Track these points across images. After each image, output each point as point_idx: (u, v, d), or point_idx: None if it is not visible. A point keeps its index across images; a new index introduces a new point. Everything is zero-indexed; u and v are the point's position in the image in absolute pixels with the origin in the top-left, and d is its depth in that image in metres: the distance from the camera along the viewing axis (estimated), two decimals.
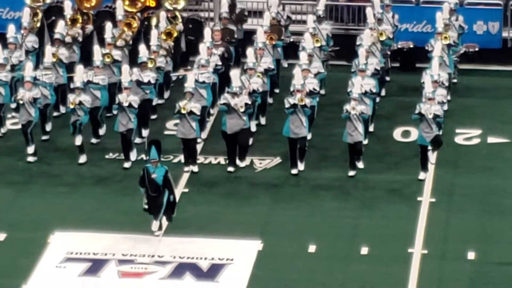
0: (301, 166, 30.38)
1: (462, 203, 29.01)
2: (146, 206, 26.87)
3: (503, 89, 34.84)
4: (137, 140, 32.02)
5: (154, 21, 36.42)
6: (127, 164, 31.05)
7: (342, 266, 26.79)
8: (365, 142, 31.10)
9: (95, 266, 26.23)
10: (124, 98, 30.61)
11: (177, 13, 36.66)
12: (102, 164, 31.69)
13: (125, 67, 32.00)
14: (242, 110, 29.95)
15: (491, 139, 32.04)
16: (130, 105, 30.43)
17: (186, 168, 30.58)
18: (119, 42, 34.99)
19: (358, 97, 29.90)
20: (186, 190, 30.37)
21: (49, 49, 33.09)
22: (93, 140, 32.24)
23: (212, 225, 28.20)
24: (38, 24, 36.19)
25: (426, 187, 29.95)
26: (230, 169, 30.15)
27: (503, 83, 35.11)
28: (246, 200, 29.43)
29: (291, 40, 35.79)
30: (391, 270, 26.31)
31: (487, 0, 37.37)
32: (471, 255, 26.51)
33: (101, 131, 32.78)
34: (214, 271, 26.22)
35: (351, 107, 29.42)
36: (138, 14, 37.01)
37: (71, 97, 31.29)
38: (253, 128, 31.78)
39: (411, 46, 35.51)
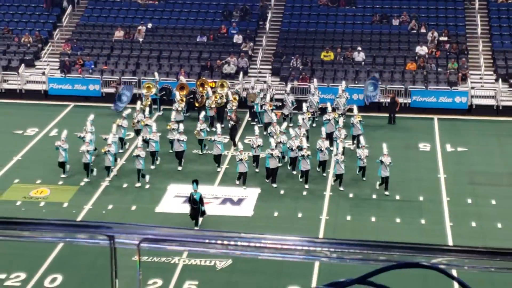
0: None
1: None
2: (189, 213, 25.58)
3: (367, 125, 32.62)
4: (179, 168, 29.60)
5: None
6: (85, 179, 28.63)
7: (309, 201, 27.18)
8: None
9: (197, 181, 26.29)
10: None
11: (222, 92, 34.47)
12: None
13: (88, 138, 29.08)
14: (279, 155, 28.70)
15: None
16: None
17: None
18: (213, 105, 33.64)
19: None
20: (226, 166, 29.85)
21: (114, 126, 30.37)
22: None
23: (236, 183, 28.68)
24: (148, 103, 34.23)
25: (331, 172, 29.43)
26: (274, 185, 28.41)
27: (366, 122, 32.69)
28: (254, 175, 29.10)
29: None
30: (314, 204, 27.04)
31: (358, 85, 37.00)
32: (351, 195, 27.79)
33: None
34: (239, 202, 27.59)
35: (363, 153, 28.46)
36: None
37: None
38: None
39: (326, 106, 32.81)
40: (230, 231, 2.68)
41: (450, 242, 24.31)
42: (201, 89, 35.58)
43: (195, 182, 25.67)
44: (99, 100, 37.58)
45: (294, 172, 29.40)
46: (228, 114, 32.96)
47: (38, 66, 40.10)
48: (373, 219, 26.38)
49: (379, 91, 36.27)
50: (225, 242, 2.49)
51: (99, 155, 29.68)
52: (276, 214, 26.76)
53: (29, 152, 31.52)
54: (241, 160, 28.07)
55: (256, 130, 30.36)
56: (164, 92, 36.39)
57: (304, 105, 33.22)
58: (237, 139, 32.15)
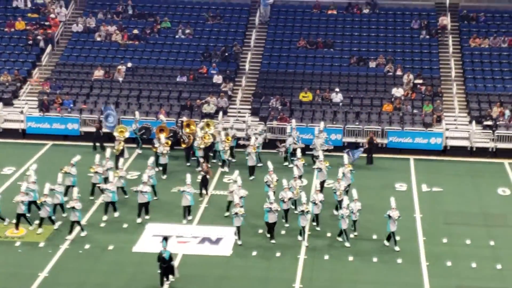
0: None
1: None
2: (159, 271, 24.13)
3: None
4: (138, 220, 28.44)
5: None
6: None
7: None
8: None
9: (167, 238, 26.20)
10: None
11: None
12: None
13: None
14: (279, 209, 27.43)
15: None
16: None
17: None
18: (202, 145, 33.64)
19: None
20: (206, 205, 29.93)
21: (60, 175, 29.04)
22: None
23: (216, 221, 28.66)
24: (120, 148, 33.90)
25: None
26: (273, 241, 27.15)
27: (341, 160, 31.22)
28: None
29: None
30: (292, 243, 26.84)
31: (336, 125, 37.20)
32: (329, 234, 27.47)
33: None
34: (218, 240, 27.29)
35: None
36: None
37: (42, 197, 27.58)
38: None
39: (303, 146, 34.05)
40: None
41: (426, 282, 24.50)
42: (187, 130, 35.24)
43: (165, 239, 24.34)
44: (78, 139, 37.54)
45: (287, 225, 28.37)
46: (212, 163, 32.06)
47: (17, 104, 40.18)
48: (350, 258, 26.17)
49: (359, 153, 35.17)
50: None
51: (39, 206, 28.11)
52: (254, 253, 26.51)
53: (6, 191, 31.02)
54: (236, 214, 26.91)
55: (239, 181, 28.85)
56: (143, 131, 36.44)
57: (298, 151, 32.06)
58: (209, 190, 31.29)
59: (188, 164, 34.49)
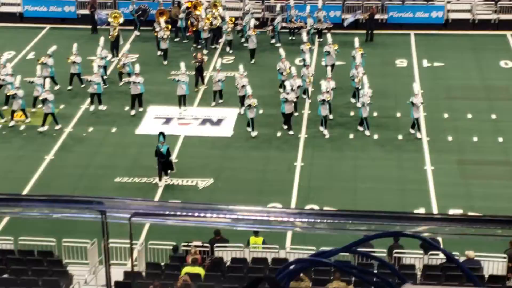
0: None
1: None
2: (157, 167, 23.76)
3: (347, 42, 31.54)
4: (132, 112, 27.81)
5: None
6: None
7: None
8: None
9: (168, 120, 27.44)
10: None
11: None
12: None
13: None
14: (295, 99, 26.51)
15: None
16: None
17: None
18: (206, 27, 32.76)
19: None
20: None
21: (38, 67, 28.22)
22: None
23: (219, 103, 28.50)
24: (116, 34, 32.60)
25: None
26: (291, 132, 26.35)
27: (343, 38, 32.18)
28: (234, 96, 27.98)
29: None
30: (294, 124, 26.87)
31: (335, 2, 36.42)
32: (331, 117, 27.17)
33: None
34: (219, 122, 27.51)
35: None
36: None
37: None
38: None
39: (303, 25, 33.23)
40: (215, 203, 2.77)
41: (427, 157, 24.81)
42: (196, 12, 34.27)
43: (162, 134, 23.91)
44: (75, 22, 36.99)
45: (296, 114, 27.28)
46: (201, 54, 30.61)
47: None
48: (351, 136, 26.29)
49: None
50: (214, 215, 2.60)
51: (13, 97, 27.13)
52: (255, 134, 26.56)
53: None
54: (249, 106, 26.05)
55: (241, 69, 28.12)
56: (140, 12, 35.68)
57: (304, 34, 31.11)
58: (206, 78, 30.15)
59: (199, 46, 33.28)
